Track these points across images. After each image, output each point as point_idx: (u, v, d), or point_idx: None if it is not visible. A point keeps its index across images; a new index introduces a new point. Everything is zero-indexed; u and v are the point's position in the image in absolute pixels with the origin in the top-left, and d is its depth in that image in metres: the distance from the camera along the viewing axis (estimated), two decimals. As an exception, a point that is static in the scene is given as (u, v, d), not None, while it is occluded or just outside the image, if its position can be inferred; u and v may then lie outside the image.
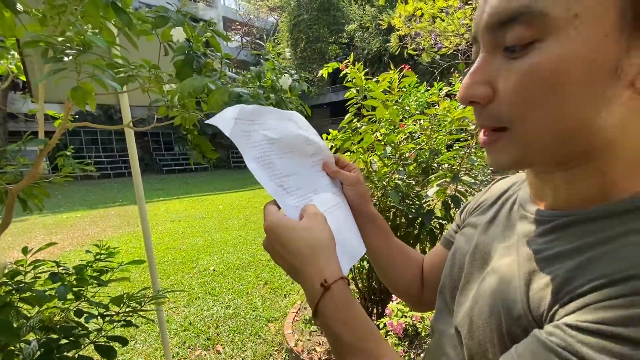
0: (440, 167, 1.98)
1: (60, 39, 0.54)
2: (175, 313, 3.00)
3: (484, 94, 0.34)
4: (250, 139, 0.46)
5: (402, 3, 3.34)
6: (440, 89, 2.08)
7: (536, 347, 0.28)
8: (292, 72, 0.89)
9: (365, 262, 2.26)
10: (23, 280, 1.06)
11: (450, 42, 3.37)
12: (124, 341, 1.08)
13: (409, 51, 3.54)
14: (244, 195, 10.01)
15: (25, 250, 1.07)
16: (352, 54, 1.85)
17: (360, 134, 1.86)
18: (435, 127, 1.99)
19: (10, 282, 1.03)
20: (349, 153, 2.04)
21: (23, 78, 1.08)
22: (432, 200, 1.91)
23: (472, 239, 0.48)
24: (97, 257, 1.09)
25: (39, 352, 0.90)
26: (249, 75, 0.67)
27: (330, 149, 2.10)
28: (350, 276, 2.45)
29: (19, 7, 0.69)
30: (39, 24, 0.73)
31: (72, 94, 0.57)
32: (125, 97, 1.32)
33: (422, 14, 3.32)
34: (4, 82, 1.16)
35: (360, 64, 1.82)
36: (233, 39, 24.02)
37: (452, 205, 1.74)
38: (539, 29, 0.29)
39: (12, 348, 0.93)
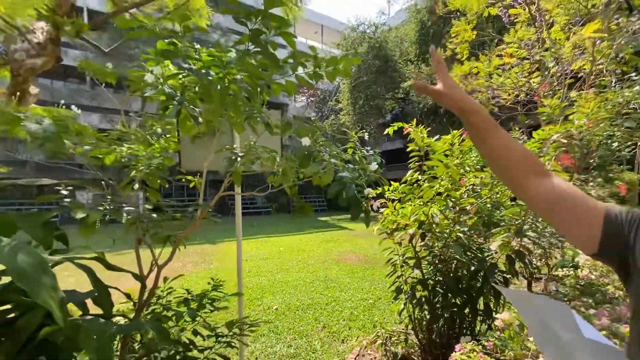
0: (502, 220, 2.02)
1: (235, 145, 0.90)
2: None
3: None
4: None
5: (458, 64, 3.61)
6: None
7: None
8: (368, 147, 1.17)
9: (426, 313, 2.26)
10: (160, 303, 1.43)
11: (509, 95, 3.46)
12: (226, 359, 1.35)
13: (466, 107, 3.70)
14: (302, 238, 10.40)
15: (165, 280, 1.45)
16: (414, 120, 2.11)
17: (421, 188, 2.04)
18: (497, 181, 2.07)
19: (156, 303, 1.41)
20: (409, 203, 2.20)
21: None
22: (496, 253, 1.94)
23: None
24: (213, 288, 1.42)
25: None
26: (346, 160, 0.97)
27: (392, 201, 2.28)
28: (410, 327, 2.43)
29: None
30: (205, 126, 1.13)
31: (235, 177, 0.91)
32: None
33: (478, 72, 3.50)
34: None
35: (422, 126, 2.05)
36: (300, 99, 27.55)
37: (516, 260, 1.77)
38: None
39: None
